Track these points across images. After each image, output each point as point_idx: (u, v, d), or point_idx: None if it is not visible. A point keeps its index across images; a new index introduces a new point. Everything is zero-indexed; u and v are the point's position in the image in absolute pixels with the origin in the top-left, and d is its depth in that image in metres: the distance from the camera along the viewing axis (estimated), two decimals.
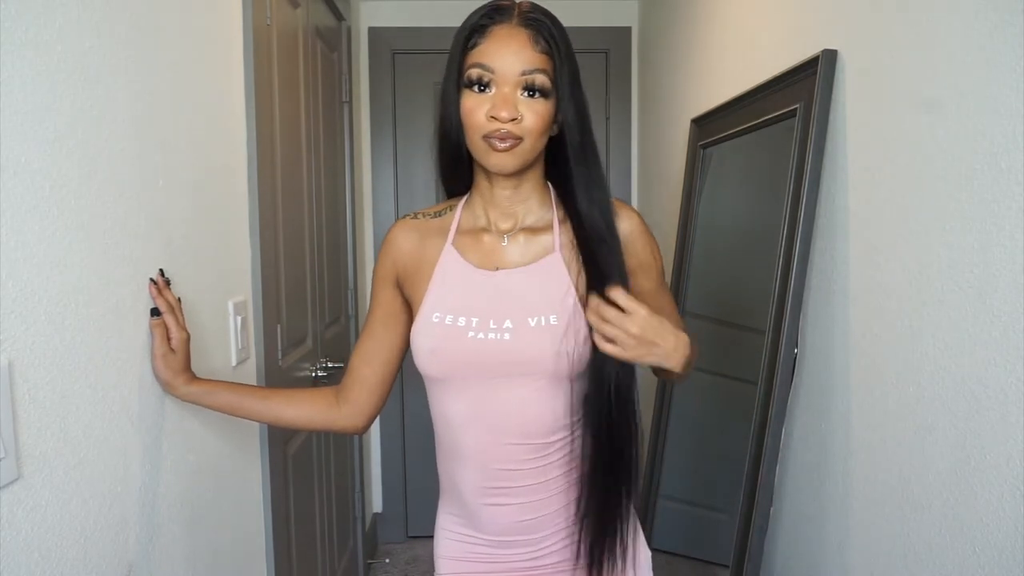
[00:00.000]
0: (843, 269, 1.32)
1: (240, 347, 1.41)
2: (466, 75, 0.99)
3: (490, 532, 1.10)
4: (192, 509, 1.19)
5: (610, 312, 0.90)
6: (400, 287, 1.12)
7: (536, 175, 1.07)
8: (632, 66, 3.02)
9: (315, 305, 2.07)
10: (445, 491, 1.15)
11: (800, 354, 1.46)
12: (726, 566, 1.61)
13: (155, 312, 1.05)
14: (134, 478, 1.01)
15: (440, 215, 1.12)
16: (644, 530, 1.17)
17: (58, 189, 0.84)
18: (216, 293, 1.32)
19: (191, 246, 1.20)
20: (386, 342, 1.14)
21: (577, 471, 1.08)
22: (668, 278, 1.97)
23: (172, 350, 1.06)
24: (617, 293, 0.90)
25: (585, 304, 0.99)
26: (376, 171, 3.01)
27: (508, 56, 0.97)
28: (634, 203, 2.98)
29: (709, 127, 2.04)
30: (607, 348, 0.91)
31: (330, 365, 2.09)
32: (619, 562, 1.06)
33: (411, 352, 1.08)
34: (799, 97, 1.45)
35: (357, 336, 1.93)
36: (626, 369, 1.01)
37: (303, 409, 1.17)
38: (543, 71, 0.98)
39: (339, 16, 2.48)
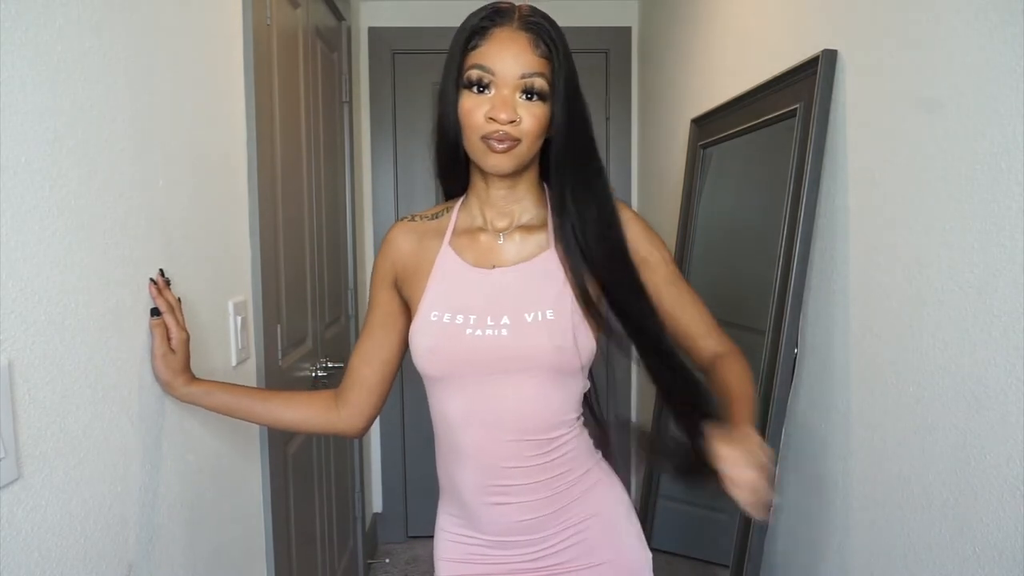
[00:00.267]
0: (843, 269, 1.32)
1: (240, 347, 1.41)
2: (466, 76, 0.99)
3: (490, 532, 1.10)
4: (192, 509, 1.19)
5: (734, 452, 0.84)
6: (399, 288, 1.13)
7: (531, 175, 1.09)
8: (632, 66, 3.02)
9: (315, 305, 2.07)
10: (445, 492, 1.15)
11: (800, 354, 1.46)
12: (726, 566, 1.61)
13: (155, 312, 1.05)
14: (134, 478, 1.01)
15: (437, 217, 1.14)
16: (644, 530, 1.17)
17: (58, 189, 0.84)
18: (216, 293, 1.32)
19: (191, 246, 1.20)
20: (385, 342, 1.14)
21: (577, 471, 1.08)
22: None
23: (172, 350, 1.07)
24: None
25: (581, 300, 1.00)
26: (376, 171, 3.01)
27: (508, 59, 0.98)
28: (634, 203, 2.98)
29: (709, 127, 2.04)
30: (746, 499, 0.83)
31: (330, 365, 2.09)
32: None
33: (410, 352, 1.08)
34: (799, 97, 1.45)
35: (357, 336, 1.93)
36: (658, 322, 1.04)
37: (302, 411, 1.17)
38: (542, 75, 0.99)
39: (339, 16, 2.48)
